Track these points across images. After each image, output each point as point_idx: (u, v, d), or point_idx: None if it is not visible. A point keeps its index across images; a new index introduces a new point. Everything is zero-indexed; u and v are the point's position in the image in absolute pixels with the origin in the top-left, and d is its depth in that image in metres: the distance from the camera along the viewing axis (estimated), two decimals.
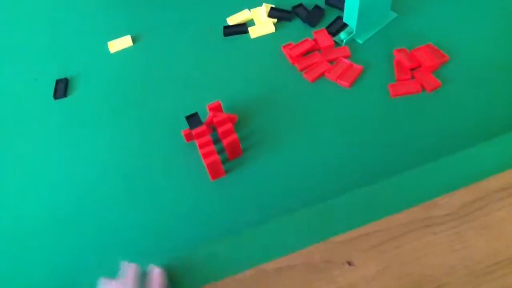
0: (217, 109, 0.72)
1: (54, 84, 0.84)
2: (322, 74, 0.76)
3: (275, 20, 0.86)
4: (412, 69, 0.74)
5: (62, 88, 0.84)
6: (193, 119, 0.71)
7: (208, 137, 0.68)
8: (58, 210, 0.68)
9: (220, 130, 0.68)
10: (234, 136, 0.67)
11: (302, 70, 0.77)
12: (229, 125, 0.68)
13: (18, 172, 0.74)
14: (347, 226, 0.56)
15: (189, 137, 0.72)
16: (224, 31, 0.86)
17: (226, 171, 0.68)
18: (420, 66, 0.74)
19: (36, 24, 0.96)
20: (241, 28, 0.86)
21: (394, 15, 0.82)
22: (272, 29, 0.85)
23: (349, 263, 0.53)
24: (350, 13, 0.77)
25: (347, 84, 0.74)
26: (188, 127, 0.71)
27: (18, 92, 0.85)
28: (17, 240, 0.66)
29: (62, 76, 0.85)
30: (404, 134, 0.68)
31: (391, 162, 0.65)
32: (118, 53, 0.87)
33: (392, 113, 0.70)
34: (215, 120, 0.69)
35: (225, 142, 0.67)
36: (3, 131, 0.79)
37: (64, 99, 0.82)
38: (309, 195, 0.64)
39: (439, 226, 0.54)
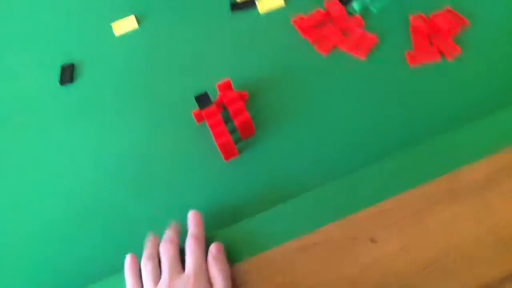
0: (226, 87, 0.69)
1: (60, 69, 0.82)
2: (335, 46, 0.73)
3: None
4: (430, 36, 0.70)
5: (68, 73, 0.82)
6: (202, 99, 0.68)
7: (218, 117, 0.66)
8: (72, 202, 0.66)
9: (231, 109, 0.66)
10: (246, 114, 0.65)
11: (313, 42, 0.74)
12: (240, 104, 0.66)
13: (25, 164, 0.72)
14: (368, 202, 0.53)
15: (199, 117, 0.69)
16: (231, 6, 0.82)
17: (240, 151, 0.66)
18: (439, 32, 0.70)
19: (37, 8, 0.93)
20: (249, 3, 0.82)
21: None
22: (281, 2, 0.81)
23: (372, 240, 0.51)
24: None
25: (362, 55, 0.71)
26: (198, 107, 0.68)
27: (22, 79, 0.83)
28: (32, 234, 0.65)
29: (68, 62, 0.83)
30: (425, 105, 0.64)
31: (411, 134, 0.62)
32: (123, 36, 0.84)
33: (411, 83, 0.67)
34: (225, 99, 0.67)
35: (236, 121, 0.64)
36: (8, 120, 0.77)
37: (70, 85, 0.80)
38: (327, 172, 0.61)
39: (464, 197, 0.51)
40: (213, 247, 0.52)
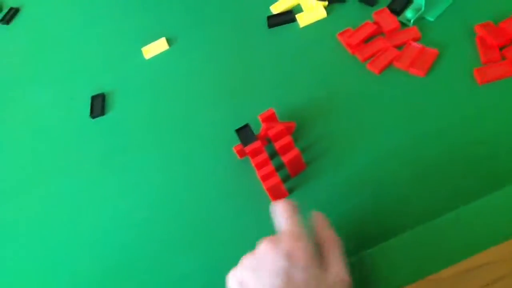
0: (270, 118, 0.62)
1: (90, 101, 0.77)
2: (390, 63, 0.65)
3: (326, 2, 0.74)
4: (501, 47, 0.61)
5: (99, 104, 0.77)
6: (244, 133, 0.62)
7: (264, 155, 0.59)
8: (104, 249, 0.61)
9: (277, 145, 0.59)
10: (296, 151, 0.58)
11: (365, 60, 0.66)
12: (288, 138, 0.59)
13: (57, 202, 0.67)
14: (451, 259, 0.45)
15: (242, 153, 0.63)
16: (268, 22, 0.75)
17: (289, 191, 0.59)
18: (511, 42, 0.61)
19: (65, 40, 0.88)
20: (288, 17, 0.75)
21: None
22: (323, 14, 0.73)
23: None
24: None
25: (422, 73, 0.62)
26: (239, 141, 0.62)
27: (54, 115, 0.78)
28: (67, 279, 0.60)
29: (98, 92, 0.78)
30: (503, 130, 0.56)
31: (494, 167, 0.53)
32: (154, 58, 0.79)
33: (483, 104, 0.58)
34: (270, 133, 0.60)
35: (285, 159, 0.58)
36: (39, 156, 0.73)
37: (102, 117, 0.75)
38: (392, 213, 0.54)
39: None
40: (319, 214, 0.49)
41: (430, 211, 0.51)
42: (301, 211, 0.48)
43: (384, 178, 0.56)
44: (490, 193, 0.49)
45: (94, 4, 0.91)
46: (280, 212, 0.47)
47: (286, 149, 0.58)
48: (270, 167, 0.58)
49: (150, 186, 0.65)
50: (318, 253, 0.44)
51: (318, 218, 0.49)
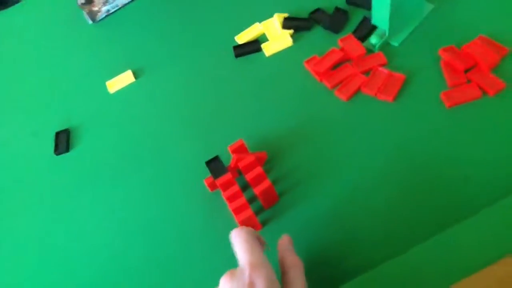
0: (240, 149, 0.61)
1: (54, 137, 0.74)
2: (357, 90, 0.64)
3: (292, 31, 0.74)
4: (466, 70, 0.62)
5: (63, 141, 0.74)
6: (214, 165, 0.60)
7: (236, 187, 0.57)
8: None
9: (248, 177, 0.57)
10: (267, 182, 0.56)
11: (333, 87, 0.66)
12: (259, 170, 0.57)
13: (19, 243, 0.64)
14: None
15: (213, 186, 0.61)
16: (234, 52, 0.75)
17: (263, 223, 0.58)
18: (475, 65, 0.62)
19: (26, 75, 0.86)
20: (254, 46, 0.74)
21: (431, 6, 0.69)
22: (289, 42, 0.73)
23: None
24: (380, 12, 0.65)
25: (390, 98, 0.62)
26: (209, 173, 0.60)
27: (15, 150, 0.75)
28: None
29: (63, 128, 0.75)
30: (474, 155, 0.55)
31: (465, 193, 0.53)
32: (119, 92, 0.77)
33: (452, 128, 0.58)
34: (240, 165, 0.58)
35: (257, 190, 0.56)
36: (2, 197, 0.70)
37: (67, 154, 0.72)
38: (367, 242, 0.52)
39: None
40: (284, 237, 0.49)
41: (406, 241, 0.51)
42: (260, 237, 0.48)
43: (358, 207, 0.55)
44: (465, 218, 0.48)
45: (58, 37, 0.89)
46: (238, 242, 0.45)
47: (258, 180, 0.57)
48: (242, 199, 0.56)
49: (119, 222, 0.62)
50: (279, 279, 0.43)
51: (283, 243, 0.48)
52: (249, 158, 0.59)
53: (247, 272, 0.42)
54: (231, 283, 0.42)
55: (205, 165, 0.60)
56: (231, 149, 0.61)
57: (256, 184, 0.57)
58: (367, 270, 0.48)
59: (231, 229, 0.52)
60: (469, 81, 0.61)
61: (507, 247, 0.45)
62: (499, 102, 0.59)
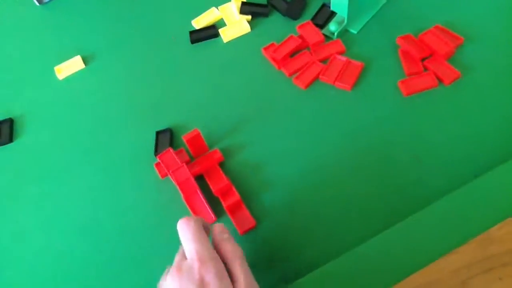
0: (195, 139, 0.59)
1: None
2: (316, 78, 0.63)
3: (249, 17, 0.72)
4: (422, 59, 0.61)
5: (6, 131, 0.69)
6: (163, 137, 0.60)
7: (186, 173, 0.55)
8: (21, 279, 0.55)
9: (226, 204, 0.55)
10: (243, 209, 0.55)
11: (291, 75, 0.64)
12: (236, 197, 0.55)
13: None
14: (384, 283, 0.44)
15: (163, 172, 0.59)
16: (190, 37, 0.72)
17: (218, 216, 0.56)
18: (431, 54, 0.62)
19: None
20: (211, 31, 0.72)
21: None
22: (247, 28, 0.71)
23: None
24: None
25: (348, 87, 0.61)
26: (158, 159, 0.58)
27: None
28: None
29: (6, 117, 0.70)
30: (429, 144, 0.56)
31: (419, 183, 0.53)
32: (68, 78, 0.73)
33: (408, 117, 0.58)
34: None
35: (226, 205, 0.55)
36: None
37: (10, 144, 0.68)
38: (322, 234, 0.52)
39: (504, 268, 0.42)
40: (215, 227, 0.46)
41: (363, 232, 0.50)
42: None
43: (315, 196, 0.54)
44: (420, 209, 0.48)
45: (2, 19, 0.84)
46: (185, 233, 0.44)
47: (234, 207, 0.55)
48: (195, 186, 0.54)
49: (68, 215, 0.59)
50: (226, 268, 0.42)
51: (216, 233, 0.46)
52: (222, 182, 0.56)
53: (196, 267, 0.40)
54: (180, 280, 0.40)
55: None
56: (185, 139, 0.59)
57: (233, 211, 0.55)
58: (323, 264, 0.48)
59: (181, 214, 0.51)
60: (425, 69, 0.61)
61: (458, 239, 0.45)
62: (454, 91, 0.59)
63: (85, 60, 0.74)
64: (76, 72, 0.73)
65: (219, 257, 0.42)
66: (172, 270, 0.41)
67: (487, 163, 0.51)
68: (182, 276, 0.40)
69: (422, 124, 0.57)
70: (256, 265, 0.51)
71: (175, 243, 0.53)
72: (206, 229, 0.46)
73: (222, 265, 0.41)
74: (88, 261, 0.55)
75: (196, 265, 0.40)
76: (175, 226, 0.53)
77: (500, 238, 0.43)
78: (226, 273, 0.41)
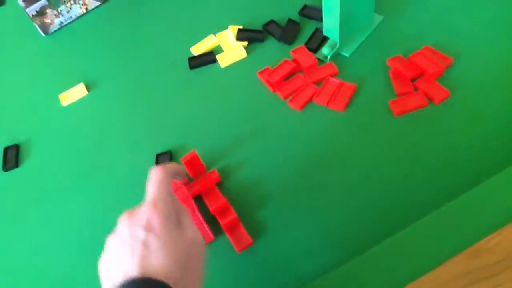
0: (193, 161, 0.60)
1: (2, 153, 0.72)
2: (310, 100, 0.65)
3: (246, 43, 0.75)
4: (413, 80, 0.63)
5: (13, 156, 0.72)
6: (162, 159, 0.61)
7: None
8: None
9: (223, 222, 0.56)
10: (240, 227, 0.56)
11: (285, 98, 0.66)
12: (233, 216, 0.57)
13: None
14: None
15: None
16: (189, 63, 0.74)
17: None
18: (421, 75, 0.63)
19: None
20: (209, 58, 0.75)
21: (380, 18, 0.71)
22: (243, 54, 0.74)
23: None
24: (330, 23, 0.66)
25: (341, 108, 0.63)
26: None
27: None
28: None
29: (12, 143, 0.73)
30: (420, 161, 0.57)
31: (410, 200, 0.54)
32: (72, 105, 0.75)
33: (399, 136, 0.60)
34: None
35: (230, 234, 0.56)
36: None
37: (16, 169, 0.70)
38: (320, 247, 0.53)
39: (492, 279, 0.43)
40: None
41: (357, 245, 0.51)
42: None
43: (311, 216, 0.56)
44: (410, 224, 0.49)
45: (9, 49, 0.87)
46: (151, 179, 0.46)
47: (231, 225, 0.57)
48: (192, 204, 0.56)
49: (71, 239, 0.61)
50: (177, 216, 0.45)
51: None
52: (220, 201, 0.58)
53: (147, 210, 0.43)
54: (129, 222, 0.43)
55: None
56: (184, 161, 0.60)
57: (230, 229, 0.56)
58: (320, 276, 0.49)
59: None
60: (416, 89, 0.62)
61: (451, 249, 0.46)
62: (444, 110, 0.60)
63: (88, 87, 0.77)
64: (79, 99, 0.76)
65: (173, 205, 0.45)
66: (125, 214, 0.44)
67: (476, 178, 0.52)
68: (131, 219, 0.43)
69: (413, 143, 0.59)
70: (255, 282, 0.52)
71: None
72: (179, 177, 0.50)
73: (173, 212, 0.44)
74: (89, 283, 0.56)
75: (147, 208, 0.43)
76: None
77: (489, 250, 0.44)
78: (174, 222, 0.43)
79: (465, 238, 0.46)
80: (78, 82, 0.77)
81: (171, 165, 0.50)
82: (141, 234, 0.41)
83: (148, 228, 0.42)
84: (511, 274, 0.42)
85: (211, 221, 0.57)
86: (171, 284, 0.38)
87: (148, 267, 0.39)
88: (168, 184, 0.46)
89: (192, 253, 0.43)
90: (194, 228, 0.45)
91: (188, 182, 0.61)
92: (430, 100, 0.61)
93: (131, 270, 0.39)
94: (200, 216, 0.57)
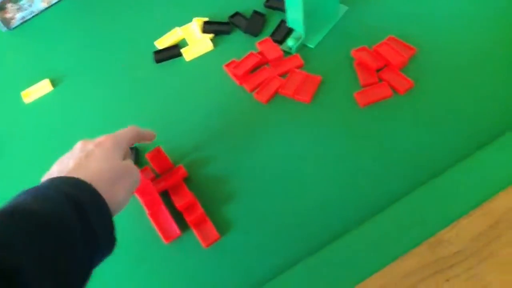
0: (158, 156, 0.60)
1: None
2: (275, 92, 0.65)
3: (212, 35, 0.74)
4: (377, 70, 0.64)
5: None
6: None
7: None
8: None
9: (189, 218, 0.56)
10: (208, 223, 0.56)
11: (252, 90, 0.66)
12: (200, 211, 0.56)
13: None
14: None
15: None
16: (154, 57, 0.73)
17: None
18: (386, 65, 0.64)
19: None
20: (173, 51, 0.74)
21: (345, 8, 0.71)
22: (209, 46, 0.73)
23: None
24: (294, 15, 0.66)
25: (307, 99, 0.63)
26: None
27: None
28: None
29: None
30: (384, 151, 0.57)
31: (373, 191, 0.54)
32: (35, 102, 0.74)
33: (364, 126, 0.60)
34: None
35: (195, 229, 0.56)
36: None
37: None
38: (290, 246, 0.53)
39: (451, 270, 0.44)
40: None
41: (323, 238, 0.51)
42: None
43: (276, 207, 0.56)
44: (376, 214, 0.49)
45: None
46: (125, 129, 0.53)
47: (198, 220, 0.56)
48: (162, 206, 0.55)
49: None
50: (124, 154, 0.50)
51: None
52: (186, 197, 0.57)
53: (101, 136, 0.49)
54: (83, 142, 0.48)
55: None
56: (148, 157, 0.60)
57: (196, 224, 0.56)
58: (287, 270, 0.49)
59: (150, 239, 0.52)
60: (380, 80, 0.63)
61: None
62: (408, 99, 0.61)
63: (53, 83, 0.75)
64: (44, 96, 0.74)
65: (125, 148, 0.50)
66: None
67: (441, 167, 0.53)
68: (87, 140, 0.49)
69: (378, 133, 0.59)
70: (222, 277, 0.52)
71: (142, 261, 0.55)
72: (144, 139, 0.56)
73: (123, 149, 0.49)
74: None
75: (104, 136, 0.49)
76: (141, 244, 0.55)
77: (449, 240, 0.45)
78: (121, 153, 0.48)
79: (427, 229, 0.47)
80: (42, 78, 0.76)
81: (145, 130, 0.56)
82: (90, 147, 0.47)
83: (98, 145, 0.47)
84: (469, 264, 0.43)
85: (179, 216, 0.57)
86: (97, 184, 0.42)
87: (82, 168, 0.44)
88: (125, 141, 0.51)
89: (127, 173, 0.47)
90: (134, 165, 0.49)
91: (155, 177, 0.61)
92: (395, 90, 0.62)
93: (65, 171, 0.44)
94: (166, 211, 0.56)
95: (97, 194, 0.41)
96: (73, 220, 0.38)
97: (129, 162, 0.49)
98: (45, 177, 0.45)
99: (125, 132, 0.52)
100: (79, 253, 0.37)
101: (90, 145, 0.47)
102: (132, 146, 0.62)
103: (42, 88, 0.75)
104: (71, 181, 0.41)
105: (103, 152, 0.46)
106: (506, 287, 0.42)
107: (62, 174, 0.43)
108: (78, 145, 0.48)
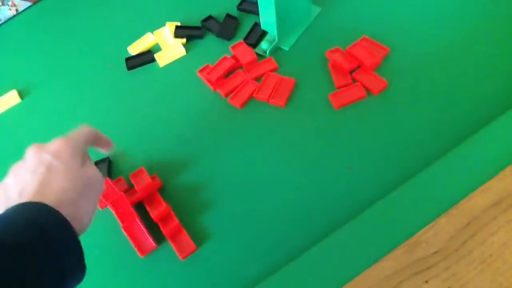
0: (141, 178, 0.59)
1: None
2: (250, 96, 0.64)
3: (184, 40, 0.72)
4: (351, 71, 0.63)
5: None
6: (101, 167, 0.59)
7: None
8: None
9: (165, 230, 0.55)
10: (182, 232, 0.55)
11: (226, 95, 0.65)
12: (175, 222, 0.55)
13: None
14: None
15: (101, 203, 0.58)
16: (127, 64, 0.72)
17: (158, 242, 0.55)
18: (360, 66, 0.63)
19: None
20: (146, 57, 0.72)
21: (318, 9, 0.71)
22: (182, 51, 0.72)
23: None
24: (267, 18, 0.65)
25: (282, 103, 0.62)
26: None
27: None
28: None
29: None
30: (360, 154, 0.57)
31: (352, 194, 0.54)
32: (2, 115, 0.71)
33: (340, 129, 0.59)
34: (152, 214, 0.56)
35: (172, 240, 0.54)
36: None
37: None
38: (269, 253, 0.52)
39: (430, 270, 0.43)
40: None
41: (302, 243, 0.51)
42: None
43: (254, 212, 0.55)
44: (351, 219, 0.49)
45: None
46: (78, 129, 0.49)
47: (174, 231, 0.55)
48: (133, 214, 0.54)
49: None
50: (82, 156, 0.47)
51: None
52: (161, 207, 0.56)
53: (55, 142, 0.45)
54: (37, 150, 0.44)
55: None
56: (132, 176, 0.59)
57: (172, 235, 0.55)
58: (265, 279, 0.48)
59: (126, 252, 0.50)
60: (354, 81, 0.62)
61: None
62: (383, 100, 0.61)
63: (21, 94, 0.73)
64: (11, 108, 0.72)
65: (82, 149, 0.47)
66: (33, 145, 0.46)
67: (416, 167, 0.53)
68: (40, 147, 0.45)
69: (353, 135, 0.58)
70: None
71: (118, 275, 0.53)
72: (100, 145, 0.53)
73: (81, 152, 0.46)
74: None
75: (58, 140, 0.45)
76: (116, 258, 0.54)
77: (427, 241, 0.44)
78: (80, 159, 0.45)
79: (404, 230, 0.46)
80: (9, 89, 0.73)
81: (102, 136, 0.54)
82: (47, 158, 0.43)
83: (55, 155, 0.43)
84: (447, 264, 0.43)
85: (154, 228, 0.55)
86: (63, 207, 0.39)
87: (45, 189, 0.41)
88: (80, 148, 0.47)
89: (91, 185, 0.45)
90: (95, 168, 0.47)
91: (129, 189, 0.59)
92: (369, 91, 0.61)
93: (29, 191, 0.40)
94: (141, 224, 0.55)
95: (64, 222, 0.39)
96: (39, 251, 0.36)
97: (90, 170, 0.46)
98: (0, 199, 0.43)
99: (79, 133, 0.49)
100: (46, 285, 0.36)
101: (46, 155, 0.43)
102: (105, 156, 0.61)
103: (10, 100, 0.73)
104: (37, 207, 0.39)
105: (63, 166, 0.43)
106: (483, 286, 0.42)
107: (24, 193, 0.41)
108: (31, 153, 0.45)
